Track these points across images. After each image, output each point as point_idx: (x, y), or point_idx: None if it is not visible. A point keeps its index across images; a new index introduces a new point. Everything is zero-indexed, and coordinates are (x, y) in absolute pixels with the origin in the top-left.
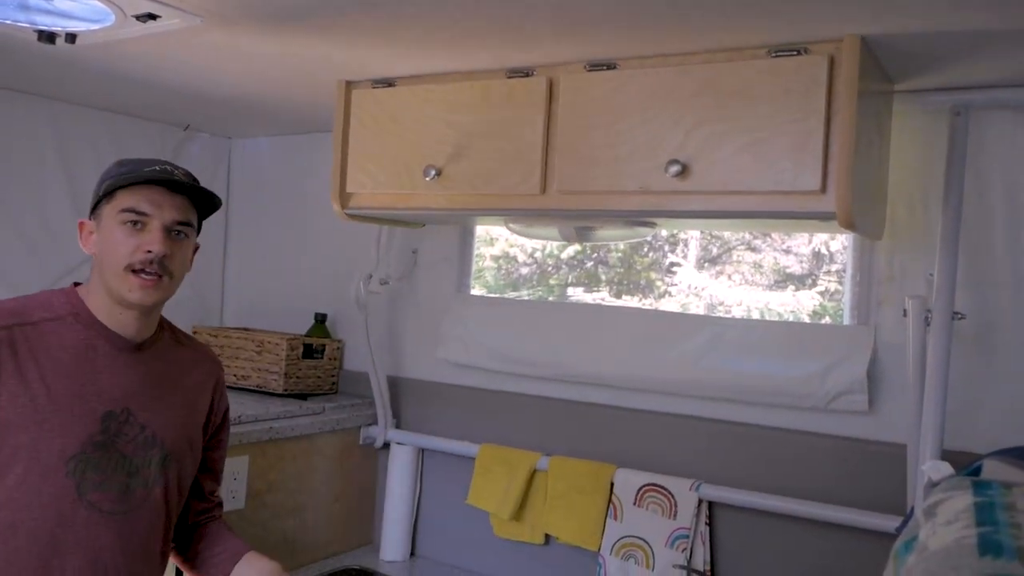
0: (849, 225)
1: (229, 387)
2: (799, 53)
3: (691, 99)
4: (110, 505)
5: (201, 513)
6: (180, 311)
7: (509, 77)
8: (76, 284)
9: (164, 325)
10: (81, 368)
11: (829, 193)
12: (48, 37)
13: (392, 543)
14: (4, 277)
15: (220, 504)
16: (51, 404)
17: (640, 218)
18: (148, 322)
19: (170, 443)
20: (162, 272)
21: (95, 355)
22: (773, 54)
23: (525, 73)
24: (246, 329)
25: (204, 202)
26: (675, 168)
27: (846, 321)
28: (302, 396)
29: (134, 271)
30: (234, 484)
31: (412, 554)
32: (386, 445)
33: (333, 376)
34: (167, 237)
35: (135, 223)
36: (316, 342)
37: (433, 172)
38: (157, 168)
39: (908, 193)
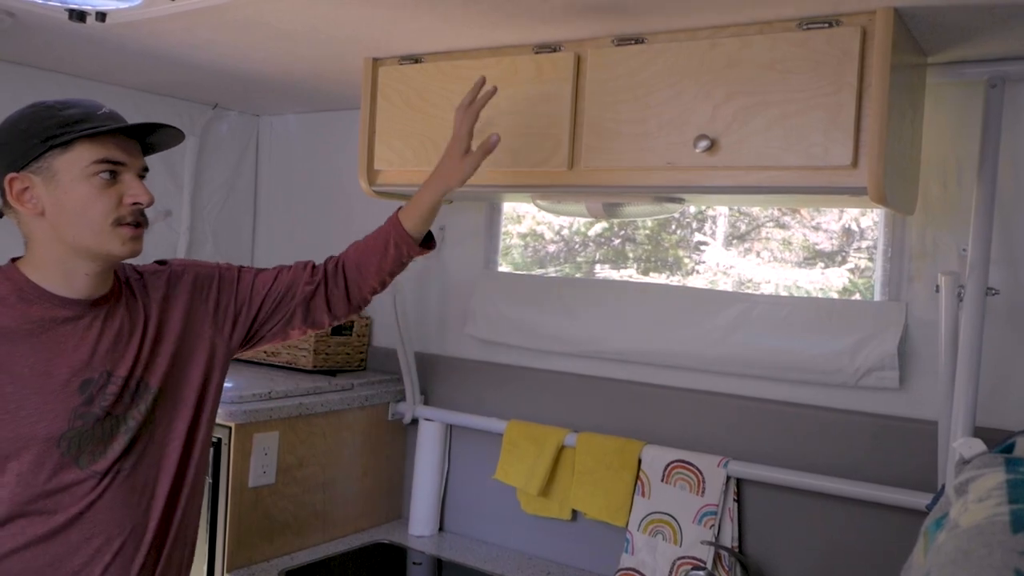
0: (881, 200)
1: (259, 364)
2: (831, 25)
3: (720, 73)
4: (117, 466)
5: (319, 275)
6: None
7: (536, 53)
8: (14, 259)
9: (118, 274)
10: (42, 345)
11: (861, 167)
12: (79, 16)
13: (421, 518)
14: None
15: (319, 265)
16: (21, 390)
17: (668, 194)
18: (104, 278)
19: (160, 379)
20: (143, 222)
21: (54, 327)
22: (804, 27)
23: (552, 49)
24: None
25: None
26: (704, 143)
27: (877, 297)
28: (331, 372)
29: (121, 224)
30: (264, 459)
31: (440, 529)
32: (414, 421)
33: (362, 353)
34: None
35: (112, 174)
36: None
37: None
38: (106, 111)
39: (941, 167)
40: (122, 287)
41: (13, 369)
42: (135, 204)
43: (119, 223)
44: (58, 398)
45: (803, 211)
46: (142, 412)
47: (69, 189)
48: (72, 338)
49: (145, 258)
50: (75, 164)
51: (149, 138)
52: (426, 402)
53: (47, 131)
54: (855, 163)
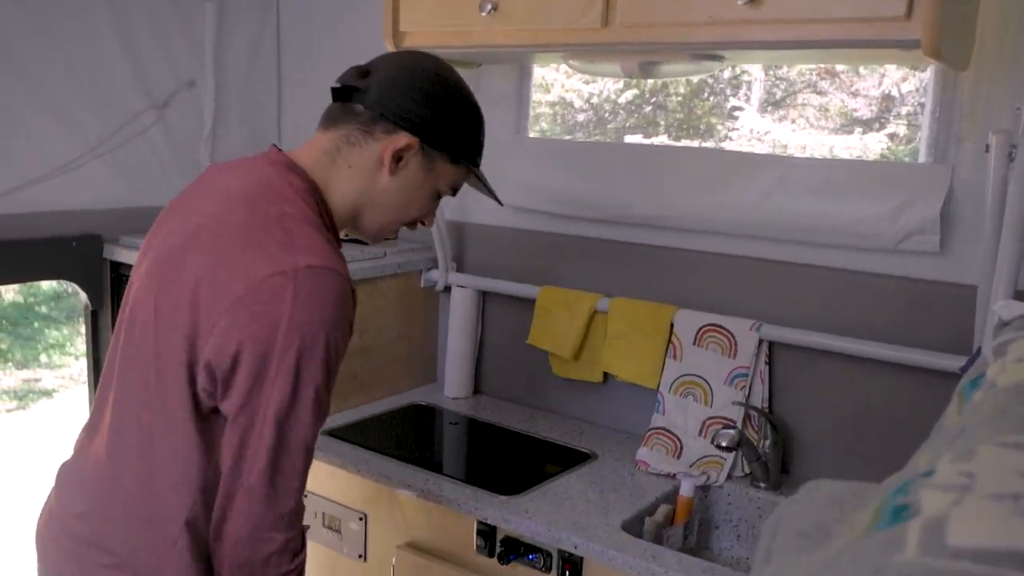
0: (935, 54)
1: None
2: None
3: None
4: None
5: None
6: None
7: None
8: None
9: None
10: None
11: (914, 19)
12: None
13: (455, 381)
14: (68, 127)
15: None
16: None
17: (708, 51)
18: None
19: None
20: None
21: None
22: None
23: None
24: None
25: None
26: None
27: (922, 159)
28: (363, 241)
29: (402, 223)
30: None
31: (475, 392)
32: (447, 288)
33: None
34: None
35: (442, 196)
36: None
37: (489, 6)
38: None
39: (999, 18)
40: None
41: None
42: (423, 224)
43: (402, 223)
44: None
45: (841, 75)
46: None
47: (422, 185)
48: None
49: (167, 136)
50: (444, 176)
51: None
52: (459, 269)
53: (461, 140)
54: (908, 14)
